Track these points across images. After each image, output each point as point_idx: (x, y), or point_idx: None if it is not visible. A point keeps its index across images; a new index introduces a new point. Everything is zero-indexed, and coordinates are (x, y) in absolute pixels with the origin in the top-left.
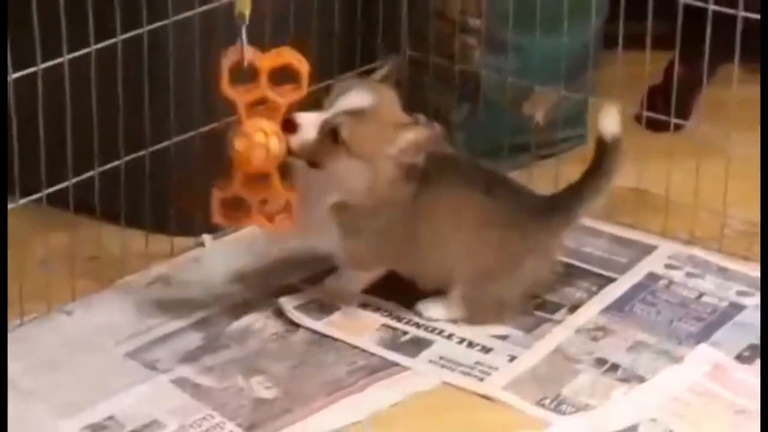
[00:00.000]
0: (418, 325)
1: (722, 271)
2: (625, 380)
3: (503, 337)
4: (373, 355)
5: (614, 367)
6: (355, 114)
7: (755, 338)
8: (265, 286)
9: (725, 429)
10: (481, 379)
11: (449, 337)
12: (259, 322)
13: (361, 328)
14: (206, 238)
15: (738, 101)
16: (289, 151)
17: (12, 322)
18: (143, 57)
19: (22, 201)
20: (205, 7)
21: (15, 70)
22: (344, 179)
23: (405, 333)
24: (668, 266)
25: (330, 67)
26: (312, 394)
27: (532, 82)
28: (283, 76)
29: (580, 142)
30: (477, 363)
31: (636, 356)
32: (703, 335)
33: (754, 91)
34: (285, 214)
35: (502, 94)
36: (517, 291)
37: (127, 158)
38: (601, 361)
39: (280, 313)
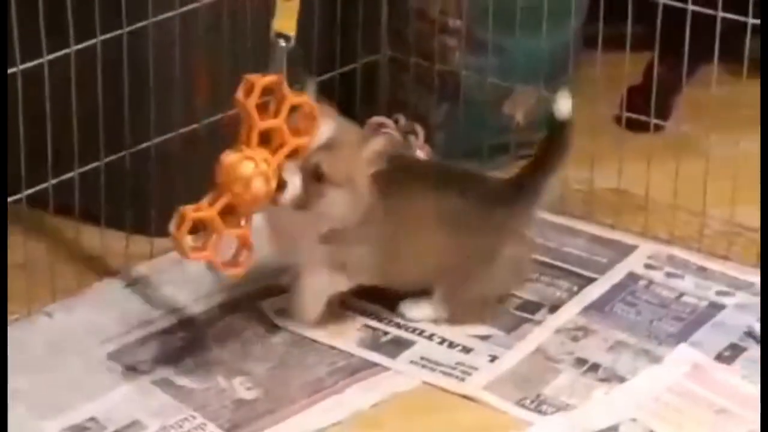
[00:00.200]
0: (398, 326)
1: (702, 271)
2: (605, 380)
3: (484, 338)
4: (353, 355)
5: (594, 367)
6: (327, 146)
7: (735, 338)
8: (246, 288)
9: (705, 429)
10: (462, 380)
11: (430, 337)
12: (240, 323)
13: (342, 329)
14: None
15: (717, 102)
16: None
17: None
18: (123, 58)
19: None
20: (185, 8)
21: None
22: (332, 211)
23: (386, 333)
24: (648, 266)
25: (309, 68)
26: (293, 394)
27: (512, 82)
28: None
29: None
30: (458, 363)
31: (616, 356)
32: (683, 335)
33: (734, 91)
34: (246, 254)
35: (482, 95)
36: (498, 285)
37: (107, 159)
38: (581, 361)
39: (261, 315)
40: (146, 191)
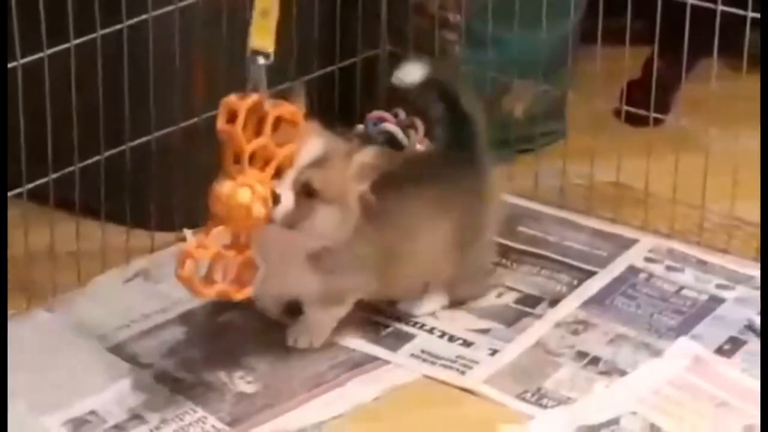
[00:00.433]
0: (399, 319)
1: (702, 265)
2: (605, 373)
3: (484, 331)
4: (354, 350)
5: (595, 361)
6: (317, 163)
7: (735, 331)
8: None
9: (706, 422)
10: (463, 373)
11: (431, 330)
12: (240, 317)
13: (343, 323)
14: (187, 233)
15: (717, 96)
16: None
17: None
18: (123, 52)
19: None
20: (184, 3)
21: None
22: (323, 227)
23: (386, 327)
24: (648, 260)
25: (310, 63)
26: (293, 388)
27: (511, 76)
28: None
29: (559, 136)
30: (458, 357)
31: (616, 350)
32: (684, 329)
33: (733, 86)
34: (251, 273)
35: (481, 89)
36: (488, 252)
37: (108, 153)
38: (581, 355)
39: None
40: (146, 185)
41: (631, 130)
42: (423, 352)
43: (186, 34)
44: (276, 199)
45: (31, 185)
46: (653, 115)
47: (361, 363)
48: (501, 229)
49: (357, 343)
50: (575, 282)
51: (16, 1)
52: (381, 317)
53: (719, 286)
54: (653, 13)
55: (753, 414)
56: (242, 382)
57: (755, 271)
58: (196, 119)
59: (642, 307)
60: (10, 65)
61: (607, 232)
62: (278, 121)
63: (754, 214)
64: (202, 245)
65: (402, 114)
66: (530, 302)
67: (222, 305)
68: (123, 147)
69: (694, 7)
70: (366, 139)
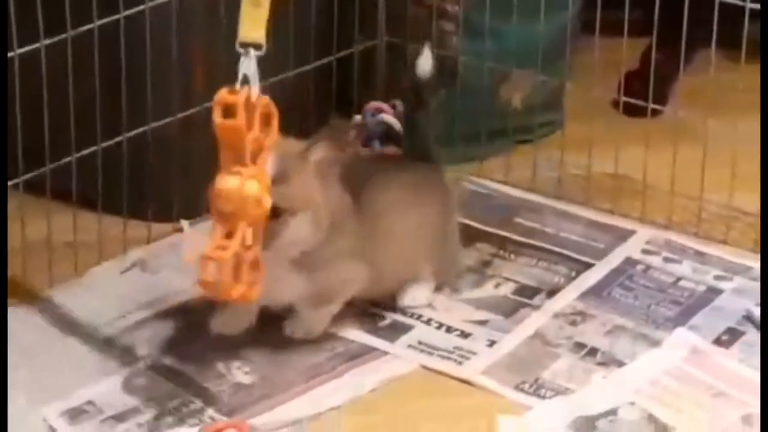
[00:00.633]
0: (396, 310)
1: (699, 256)
2: (603, 364)
3: (482, 322)
4: (352, 341)
5: (593, 352)
6: (275, 181)
7: (732, 322)
8: None
9: (703, 412)
10: (460, 364)
11: (428, 322)
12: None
13: (340, 315)
14: (184, 223)
15: (715, 87)
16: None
17: None
18: (120, 43)
19: None
20: None
21: None
22: (298, 237)
23: (383, 318)
24: (646, 251)
25: (307, 54)
26: (291, 379)
27: (509, 67)
28: None
29: (557, 127)
30: (456, 348)
31: (614, 340)
32: (681, 319)
33: (731, 77)
34: (259, 273)
35: (479, 80)
36: (456, 233)
37: (105, 144)
38: (579, 346)
39: None
40: (143, 176)
41: (629, 121)
42: (420, 343)
43: (183, 24)
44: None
45: (28, 175)
46: (651, 106)
47: (358, 354)
48: (498, 220)
49: (354, 334)
50: (573, 273)
51: None
52: (378, 308)
53: (717, 277)
54: (651, 4)
55: (750, 404)
56: (239, 373)
57: (753, 262)
58: (193, 110)
59: (640, 299)
60: (7, 56)
61: (605, 224)
62: (266, 115)
63: (753, 205)
64: (219, 247)
65: (400, 105)
66: (528, 293)
67: None
68: (120, 138)
69: None
70: (364, 130)
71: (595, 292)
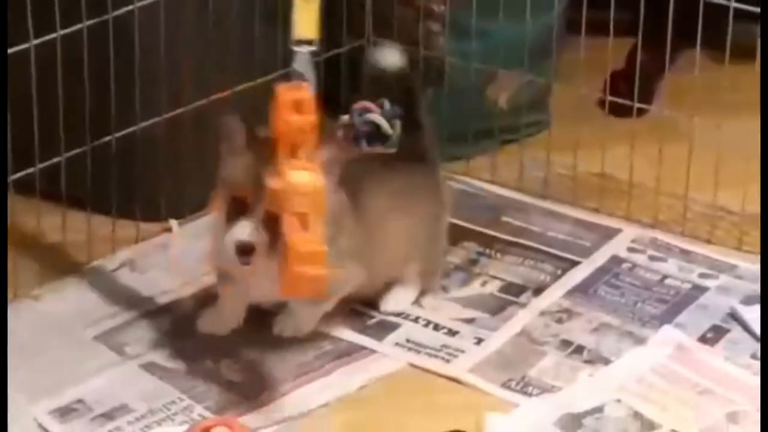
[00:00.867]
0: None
1: (685, 254)
2: (589, 362)
3: (469, 320)
4: (341, 340)
5: (579, 349)
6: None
7: (718, 320)
8: None
9: (689, 409)
10: (448, 362)
11: (415, 320)
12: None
13: (329, 313)
14: (173, 223)
15: (700, 86)
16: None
17: None
18: (109, 43)
19: None
20: None
21: None
22: None
23: (371, 317)
24: (631, 249)
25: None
26: (280, 377)
27: (495, 67)
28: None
29: (543, 126)
30: (443, 346)
31: (600, 338)
32: (667, 317)
33: (716, 76)
34: None
35: (466, 80)
36: (444, 235)
37: (94, 144)
38: (566, 343)
39: None
40: (132, 176)
41: (615, 121)
42: (408, 341)
43: (172, 25)
44: (249, 248)
45: (17, 175)
46: (637, 105)
47: (346, 352)
48: (485, 219)
49: (343, 333)
50: (559, 272)
51: None
52: (366, 307)
53: (702, 275)
54: (637, 4)
55: (736, 401)
56: (229, 371)
57: (738, 260)
58: (181, 110)
59: (626, 296)
60: None
61: (591, 222)
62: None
63: (737, 204)
64: (304, 241)
65: (387, 105)
66: (515, 291)
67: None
68: (109, 138)
69: None
70: (351, 130)
71: (582, 290)
